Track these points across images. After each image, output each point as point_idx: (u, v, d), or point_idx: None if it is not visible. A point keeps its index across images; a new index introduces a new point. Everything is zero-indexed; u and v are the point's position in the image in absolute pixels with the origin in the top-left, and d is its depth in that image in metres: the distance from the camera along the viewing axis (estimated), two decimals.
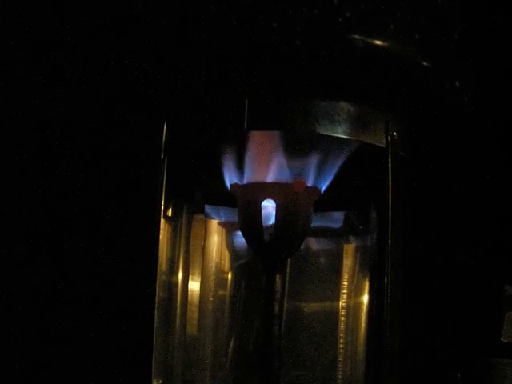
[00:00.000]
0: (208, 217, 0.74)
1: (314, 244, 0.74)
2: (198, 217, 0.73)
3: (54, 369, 0.68)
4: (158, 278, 0.59)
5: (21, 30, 0.68)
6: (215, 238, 0.74)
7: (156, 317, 0.59)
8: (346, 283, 0.73)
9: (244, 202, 0.64)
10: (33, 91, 0.68)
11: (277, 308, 0.64)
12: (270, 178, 0.63)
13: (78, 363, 0.67)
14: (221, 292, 0.74)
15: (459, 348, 0.71)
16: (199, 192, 0.73)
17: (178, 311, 0.71)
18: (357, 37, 0.55)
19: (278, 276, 0.64)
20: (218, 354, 0.73)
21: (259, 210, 0.63)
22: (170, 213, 0.70)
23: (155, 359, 0.60)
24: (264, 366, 0.64)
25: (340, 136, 0.59)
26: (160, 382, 0.70)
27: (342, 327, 0.72)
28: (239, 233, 0.70)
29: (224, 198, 0.71)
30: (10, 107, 0.69)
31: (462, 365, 0.71)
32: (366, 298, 0.72)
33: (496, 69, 0.70)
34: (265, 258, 0.64)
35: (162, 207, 0.59)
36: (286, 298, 0.70)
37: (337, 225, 0.73)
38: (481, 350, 0.70)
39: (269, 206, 0.63)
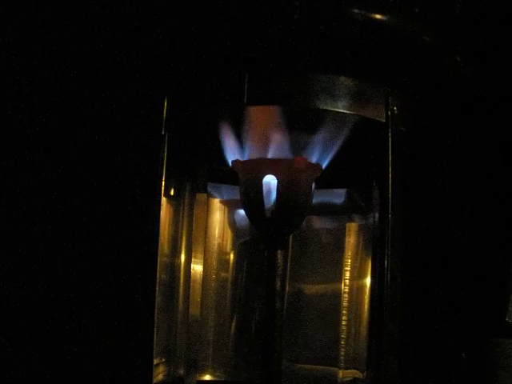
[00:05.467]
0: (210, 195, 0.74)
1: (316, 222, 0.74)
2: (201, 195, 0.73)
3: (55, 350, 0.68)
4: (160, 257, 0.60)
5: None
6: (218, 217, 0.74)
7: (158, 296, 0.59)
8: (348, 261, 0.72)
9: (246, 178, 0.64)
10: (31, 64, 0.68)
11: (278, 284, 0.64)
12: (272, 153, 0.63)
13: (81, 343, 0.68)
14: (223, 270, 0.74)
15: (464, 328, 0.71)
16: (202, 170, 0.73)
17: (181, 290, 0.71)
18: (356, 11, 0.55)
19: (279, 252, 0.64)
20: (220, 332, 0.73)
21: (261, 185, 0.63)
22: (171, 191, 0.70)
23: (158, 338, 0.60)
24: (266, 344, 0.64)
25: (340, 111, 0.59)
26: (163, 360, 0.70)
27: (344, 306, 0.72)
28: (241, 211, 0.70)
29: (226, 175, 0.71)
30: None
31: (467, 345, 0.71)
32: (368, 277, 0.71)
33: (497, 44, 0.70)
34: (266, 233, 0.64)
35: (164, 185, 0.59)
36: (287, 275, 0.70)
37: (339, 202, 0.73)
38: (486, 330, 0.70)
39: (270, 182, 0.63)
